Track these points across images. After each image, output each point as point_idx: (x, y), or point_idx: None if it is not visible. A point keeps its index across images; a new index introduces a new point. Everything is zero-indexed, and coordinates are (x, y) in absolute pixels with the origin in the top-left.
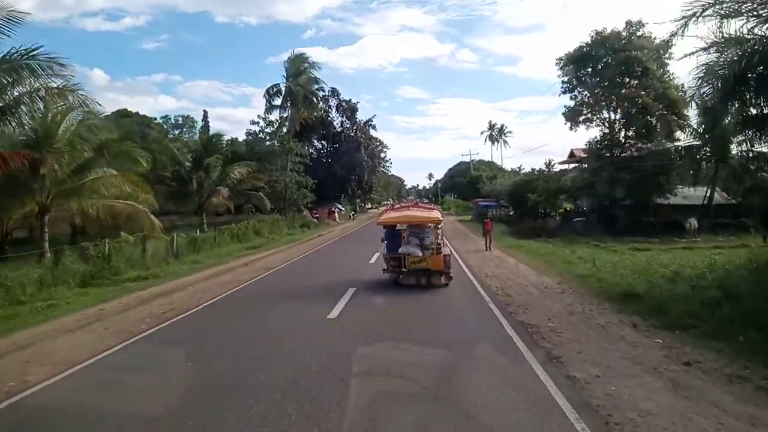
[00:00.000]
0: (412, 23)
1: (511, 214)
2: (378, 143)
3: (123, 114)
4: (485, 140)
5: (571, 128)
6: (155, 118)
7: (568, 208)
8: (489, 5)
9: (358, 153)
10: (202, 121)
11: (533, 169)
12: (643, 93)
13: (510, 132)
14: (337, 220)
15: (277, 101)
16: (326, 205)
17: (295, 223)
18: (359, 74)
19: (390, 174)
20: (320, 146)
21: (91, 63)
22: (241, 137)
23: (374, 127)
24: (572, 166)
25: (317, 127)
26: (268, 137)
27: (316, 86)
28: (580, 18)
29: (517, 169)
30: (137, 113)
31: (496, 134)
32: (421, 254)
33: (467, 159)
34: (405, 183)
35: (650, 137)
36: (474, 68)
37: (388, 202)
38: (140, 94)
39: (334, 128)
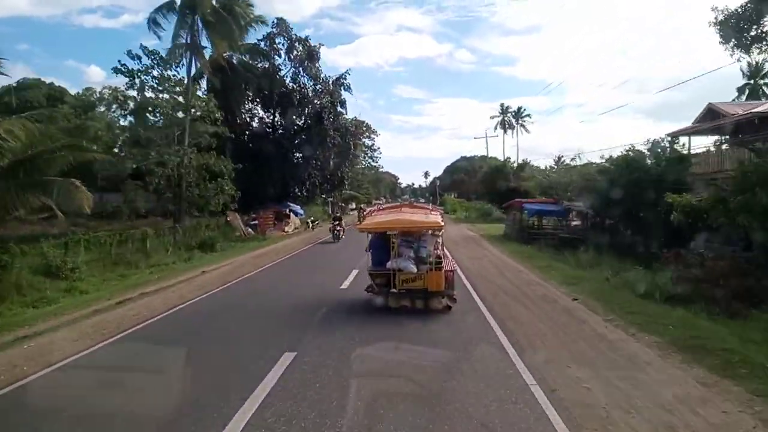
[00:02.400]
0: (410, 23)
1: (575, 224)
2: (364, 127)
3: (27, 85)
4: (496, 127)
5: (734, 50)
6: (79, 92)
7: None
8: (487, 6)
9: (319, 126)
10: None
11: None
12: None
13: (529, 116)
14: (287, 230)
15: (169, 24)
16: (272, 206)
17: (195, 237)
18: (357, 73)
19: (381, 168)
20: (263, 114)
21: (87, 59)
22: None
23: (348, 88)
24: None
25: (251, 80)
26: (154, 83)
27: (252, 16)
28: (576, 19)
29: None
30: (51, 83)
31: (511, 119)
32: (415, 270)
33: (475, 147)
34: (400, 181)
35: None
36: (471, 68)
37: (380, 202)
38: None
39: (285, 87)
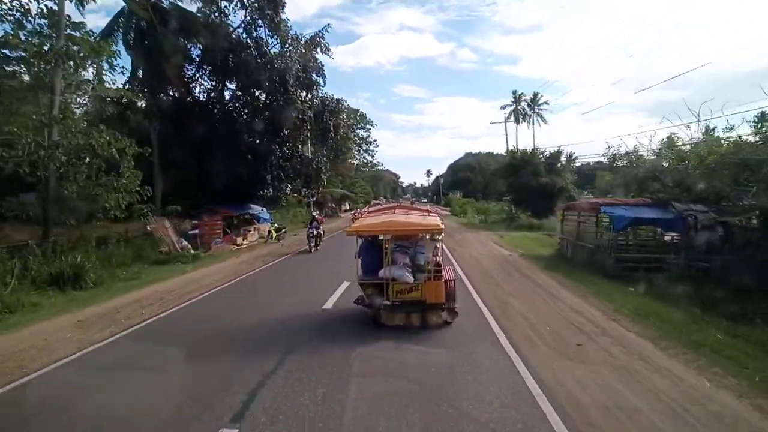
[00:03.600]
0: (411, 23)
1: (665, 239)
2: (358, 116)
3: None
4: (509, 115)
5: None
6: None
7: None
8: (489, 6)
9: (283, 95)
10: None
11: None
12: None
13: (546, 104)
14: (241, 241)
15: None
16: (224, 209)
17: (56, 263)
18: (358, 73)
19: (381, 166)
20: (208, 84)
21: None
22: None
23: (327, 50)
24: None
25: (191, 34)
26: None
27: None
28: (576, 18)
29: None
30: None
31: (526, 108)
32: (412, 279)
33: (477, 145)
34: (401, 180)
35: None
36: (473, 68)
37: (379, 202)
38: None
39: (237, 43)
